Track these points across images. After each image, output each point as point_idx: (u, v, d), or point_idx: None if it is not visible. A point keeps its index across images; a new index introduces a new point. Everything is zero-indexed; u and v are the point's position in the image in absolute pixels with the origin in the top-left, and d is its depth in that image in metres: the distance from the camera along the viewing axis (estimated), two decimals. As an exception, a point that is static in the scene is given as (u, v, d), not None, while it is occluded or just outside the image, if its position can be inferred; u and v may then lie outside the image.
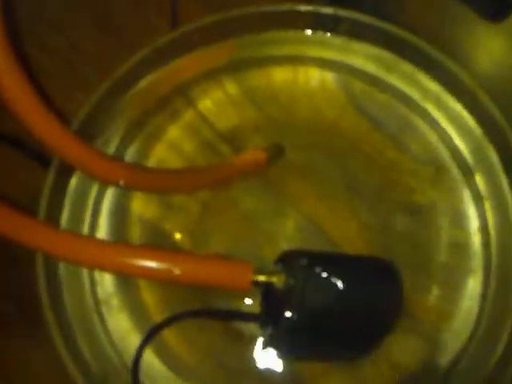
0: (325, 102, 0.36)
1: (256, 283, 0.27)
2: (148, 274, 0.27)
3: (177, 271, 0.26)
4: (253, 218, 0.34)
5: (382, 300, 0.28)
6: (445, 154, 0.35)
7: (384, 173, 0.35)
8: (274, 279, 0.27)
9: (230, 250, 0.34)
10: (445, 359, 0.31)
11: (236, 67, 0.37)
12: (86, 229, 0.33)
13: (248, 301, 0.31)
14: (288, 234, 0.34)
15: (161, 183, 0.33)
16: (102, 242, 0.31)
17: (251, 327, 0.31)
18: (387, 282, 0.28)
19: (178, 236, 0.34)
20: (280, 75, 0.37)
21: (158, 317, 0.31)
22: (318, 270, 0.27)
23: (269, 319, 0.29)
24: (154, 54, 0.35)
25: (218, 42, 0.37)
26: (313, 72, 0.37)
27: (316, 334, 0.28)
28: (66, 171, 0.33)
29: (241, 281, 0.27)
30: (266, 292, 0.29)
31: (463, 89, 0.34)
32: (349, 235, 0.34)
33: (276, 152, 0.35)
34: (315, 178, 0.35)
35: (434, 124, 0.35)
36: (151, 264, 0.26)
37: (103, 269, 0.30)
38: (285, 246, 0.34)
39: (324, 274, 0.27)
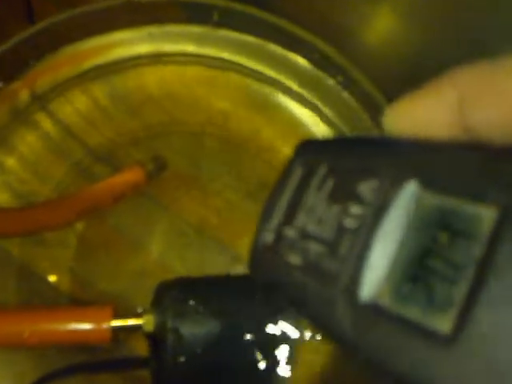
0: (209, 102, 0.32)
1: (120, 330, 0.22)
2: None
3: (25, 333, 0.22)
4: (139, 244, 0.30)
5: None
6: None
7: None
8: (142, 321, 0.22)
9: (115, 285, 0.29)
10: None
11: (103, 71, 0.32)
12: None
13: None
14: (183, 255, 0.29)
15: (16, 225, 0.27)
16: None
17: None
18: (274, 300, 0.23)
19: (54, 277, 0.29)
20: (155, 75, 0.32)
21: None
22: (190, 302, 0.22)
23: (157, 364, 0.24)
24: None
25: (79, 42, 0.32)
26: (194, 69, 0.32)
27: (206, 376, 0.23)
28: None
29: (98, 331, 0.22)
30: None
31: (336, 68, 0.30)
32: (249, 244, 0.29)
33: (158, 165, 0.30)
34: (204, 188, 0.30)
35: (314, 108, 0.31)
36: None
37: None
38: (181, 269, 0.29)
39: (198, 306, 0.22)
